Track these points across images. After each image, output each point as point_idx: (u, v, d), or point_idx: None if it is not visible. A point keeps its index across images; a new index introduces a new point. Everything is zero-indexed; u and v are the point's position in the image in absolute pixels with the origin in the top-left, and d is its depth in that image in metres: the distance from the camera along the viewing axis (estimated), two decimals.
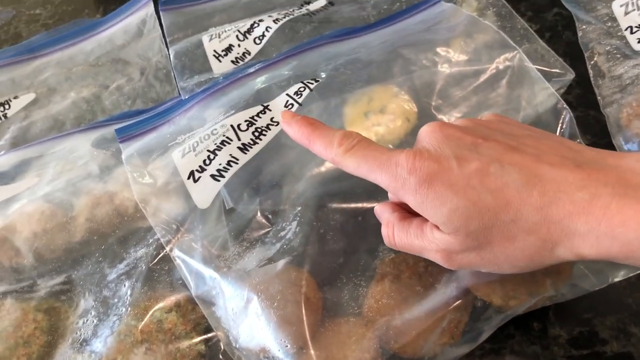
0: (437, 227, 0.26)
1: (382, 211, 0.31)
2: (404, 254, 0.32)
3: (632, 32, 0.42)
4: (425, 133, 0.28)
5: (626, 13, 0.43)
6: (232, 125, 0.37)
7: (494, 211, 0.24)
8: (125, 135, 0.39)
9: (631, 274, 0.31)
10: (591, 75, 0.42)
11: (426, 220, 0.27)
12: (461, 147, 0.26)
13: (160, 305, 0.33)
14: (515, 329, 0.34)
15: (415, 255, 0.31)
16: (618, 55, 0.42)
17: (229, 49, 0.47)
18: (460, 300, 0.31)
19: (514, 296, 0.31)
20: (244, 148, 0.36)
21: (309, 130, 0.30)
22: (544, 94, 0.38)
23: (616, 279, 0.31)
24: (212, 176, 0.35)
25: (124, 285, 0.34)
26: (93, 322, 0.33)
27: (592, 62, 0.43)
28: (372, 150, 0.28)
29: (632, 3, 0.43)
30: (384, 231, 0.30)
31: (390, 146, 0.38)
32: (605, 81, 0.41)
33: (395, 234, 0.29)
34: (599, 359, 0.32)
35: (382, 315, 0.30)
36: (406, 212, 0.30)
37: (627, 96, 0.39)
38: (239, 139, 0.36)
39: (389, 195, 0.32)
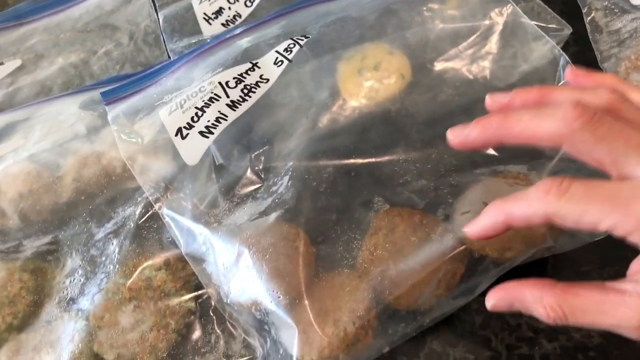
0: None
1: (524, 294, 0.25)
2: (399, 207, 0.32)
3: None
4: None
5: None
6: (220, 83, 0.36)
7: None
8: (111, 97, 0.38)
9: None
10: (589, 30, 0.42)
11: (606, 289, 0.23)
12: None
13: (149, 263, 0.32)
14: None
15: (410, 209, 0.29)
16: (616, 10, 0.41)
17: (219, 11, 0.46)
18: (456, 252, 0.30)
19: (510, 247, 0.30)
20: (232, 105, 0.35)
21: (499, 209, 0.25)
22: (541, 47, 0.37)
23: None
24: (201, 133, 0.34)
25: (112, 243, 0.33)
26: (80, 280, 0.32)
27: (589, 18, 0.42)
28: (595, 185, 0.22)
29: None
30: (550, 314, 0.24)
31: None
32: (603, 36, 0.40)
33: (574, 314, 0.24)
34: None
35: (377, 266, 0.30)
36: (553, 282, 0.25)
37: (625, 50, 0.38)
38: (228, 96, 0.35)
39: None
